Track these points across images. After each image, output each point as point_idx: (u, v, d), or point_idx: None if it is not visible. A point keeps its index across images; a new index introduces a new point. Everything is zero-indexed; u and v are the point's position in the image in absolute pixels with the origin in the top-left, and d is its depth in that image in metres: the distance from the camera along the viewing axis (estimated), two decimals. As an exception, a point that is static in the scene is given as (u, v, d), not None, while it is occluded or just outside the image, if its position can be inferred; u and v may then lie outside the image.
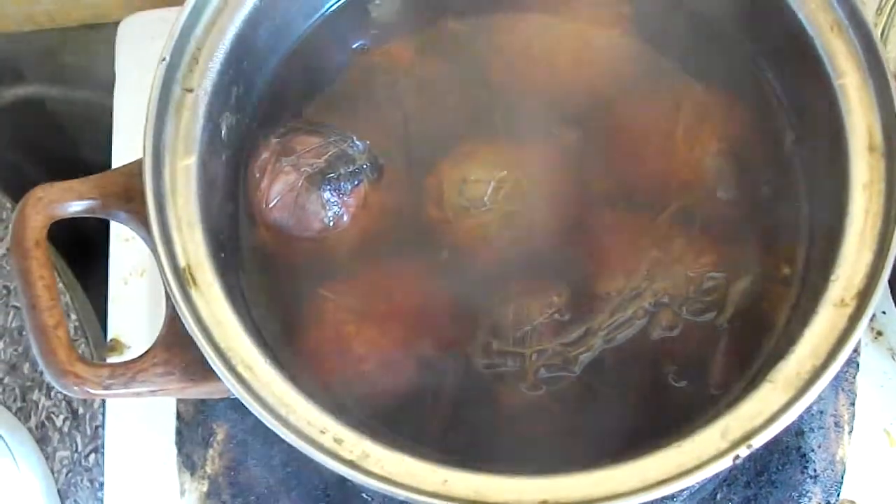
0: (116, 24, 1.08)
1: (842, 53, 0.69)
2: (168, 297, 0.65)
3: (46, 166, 1.22)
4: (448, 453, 0.63)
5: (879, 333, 0.92)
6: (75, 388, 0.62)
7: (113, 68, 1.06)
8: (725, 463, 0.59)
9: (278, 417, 0.61)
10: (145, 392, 0.64)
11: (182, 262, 0.65)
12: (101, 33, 1.17)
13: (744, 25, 0.77)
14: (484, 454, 0.65)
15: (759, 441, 0.59)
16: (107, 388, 0.63)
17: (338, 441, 0.61)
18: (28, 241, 0.63)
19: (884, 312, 0.92)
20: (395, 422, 0.69)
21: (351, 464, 0.60)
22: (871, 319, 0.88)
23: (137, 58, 1.05)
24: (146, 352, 0.64)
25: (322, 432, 0.61)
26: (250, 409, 0.61)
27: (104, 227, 0.99)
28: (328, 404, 0.63)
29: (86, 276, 1.08)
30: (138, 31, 1.06)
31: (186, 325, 0.62)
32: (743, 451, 0.59)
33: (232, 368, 0.62)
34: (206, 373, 0.64)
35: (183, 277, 0.64)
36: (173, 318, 0.65)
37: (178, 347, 0.64)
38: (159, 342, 0.65)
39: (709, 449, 0.60)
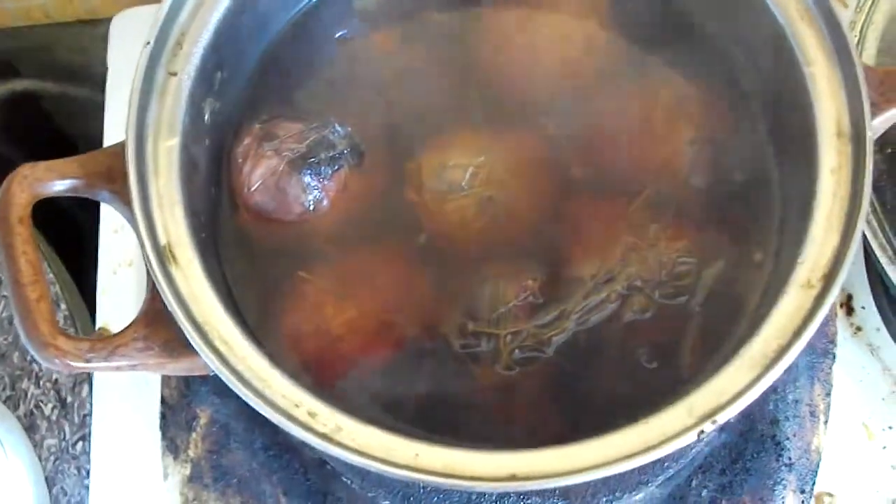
0: (110, 19, 1.09)
1: (810, 42, 0.71)
2: (149, 275, 0.66)
3: (40, 160, 1.23)
4: (423, 430, 0.64)
5: (859, 329, 0.93)
6: (56, 360, 0.63)
7: (105, 63, 1.06)
8: (690, 438, 0.60)
9: (254, 391, 0.62)
10: (125, 366, 0.65)
11: (163, 241, 0.66)
12: (96, 29, 1.18)
13: (717, 16, 0.78)
14: (458, 431, 0.66)
15: (723, 417, 0.60)
16: (87, 360, 0.64)
17: (312, 415, 0.62)
18: (12, 218, 0.65)
19: (863, 308, 0.93)
20: (372, 400, 0.70)
21: (325, 437, 0.61)
22: (851, 314, 0.90)
23: (129, 52, 1.05)
24: (127, 327, 0.65)
25: (297, 406, 0.62)
26: (227, 382, 0.62)
27: (94, 219, 1.00)
28: (305, 382, 0.64)
29: (75, 268, 1.09)
30: (130, 27, 1.07)
31: (166, 301, 0.63)
32: (707, 427, 0.60)
33: (210, 343, 0.63)
34: (185, 349, 0.65)
35: (163, 255, 0.65)
36: (154, 295, 0.66)
37: (158, 324, 0.65)
38: (140, 318, 0.66)
39: (675, 425, 0.61)
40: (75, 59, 1.25)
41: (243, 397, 0.61)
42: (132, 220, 0.66)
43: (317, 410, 0.62)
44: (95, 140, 1.05)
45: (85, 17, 1.19)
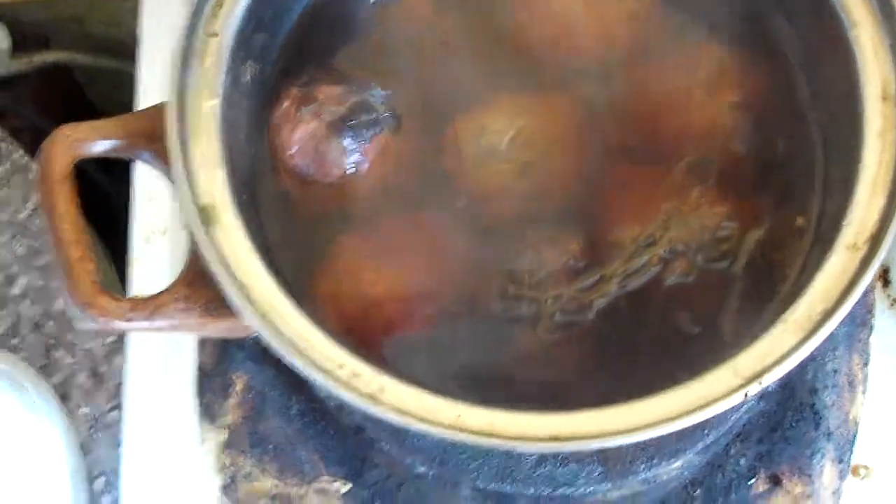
0: (142, -8, 1.09)
1: (855, 4, 0.70)
2: (190, 236, 0.66)
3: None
4: (464, 393, 0.63)
5: (896, 301, 0.92)
6: (99, 319, 0.63)
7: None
8: (736, 399, 0.60)
9: (298, 351, 0.62)
10: (166, 326, 0.65)
11: (204, 201, 0.66)
12: (127, 2, 1.18)
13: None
14: (499, 394, 0.65)
15: (769, 378, 0.60)
16: (129, 320, 0.64)
17: (355, 375, 0.62)
18: (54, 177, 0.65)
19: (901, 281, 0.92)
20: (413, 363, 0.70)
21: (369, 397, 0.61)
22: (887, 286, 0.89)
23: (161, 23, 1.06)
24: (168, 287, 0.66)
25: (340, 367, 0.62)
26: (269, 343, 0.62)
27: (124, 189, 1.01)
28: (346, 344, 0.64)
29: (105, 238, 1.09)
30: (162, -2, 1.07)
31: (207, 261, 0.63)
32: (753, 388, 0.60)
33: (252, 303, 0.63)
34: (226, 309, 0.65)
35: (205, 215, 0.65)
36: (194, 256, 0.66)
37: (199, 284, 0.65)
38: (180, 279, 0.66)
39: (720, 387, 0.61)
40: (107, 31, 1.26)
41: (286, 357, 0.61)
42: (173, 181, 0.66)
43: (360, 371, 0.62)
44: (126, 111, 1.04)
45: (117, -11, 1.18)
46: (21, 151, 1.11)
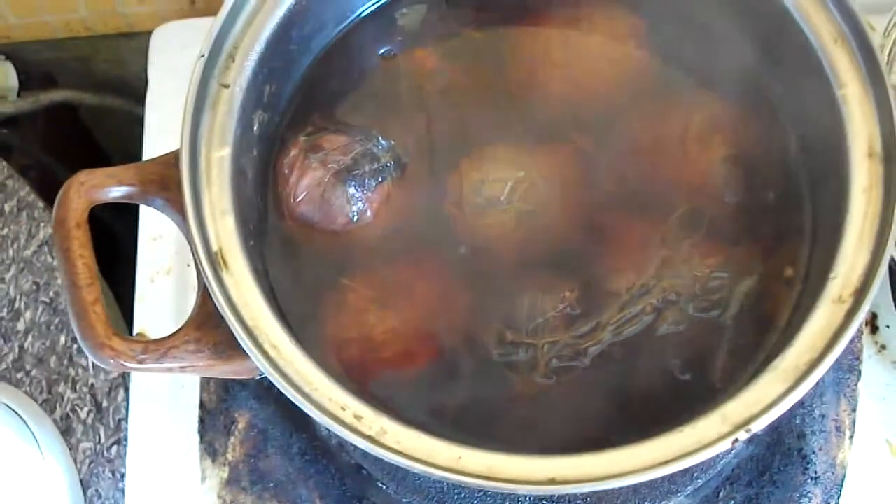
0: (148, 33, 1.11)
1: (843, 65, 0.72)
2: (200, 279, 0.68)
3: (77, 169, 1.26)
4: (462, 436, 0.65)
5: (883, 347, 0.94)
6: (111, 360, 0.65)
7: (143, 76, 1.09)
8: (725, 445, 0.62)
9: (302, 393, 0.64)
10: (176, 368, 0.67)
11: (215, 247, 0.68)
12: (133, 42, 1.21)
13: (751, 38, 0.80)
14: (496, 437, 0.67)
15: (757, 426, 0.62)
16: (140, 362, 0.66)
17: (357, 417, 0.64)
18: (70, 222, 0.67)
19: (888, 326, 0.95)
20: (412, 406, 0.72)
21: (370, 439, 0.63)
22: (875, 333, 0.91)
23: (169, 65, 1.09)
24: (178, 330, 0.67)
25: (343, 409, 0.64)
26: (276, 384, 0.64)
27: (132, 228, 1.03)
28: (348, 386, 0.66)
29: (109, 277, 1.11)
30: (170, 40, 1.10)
31: (217, 305, 0.65)
32: (742, 435, 0.62)
33: (259, 346, 0.65)
34: (234, 351, 0.67)
35: (215, 260, 0.67)
36: (204, 300, 0.68)
37: (209, 327, 0.67)
38: (191, 321, 0.68)
39: (710, 433, 0.63)
40: (113, 71, 1.28)
41: (292, 399, 0.63)
42: (184, 228, 0.68)
43: (362, 413, 0.64)
44: (131, 150, 1.07)
45: (124, 30, 1.21)
46: (27, 188, 1.12)
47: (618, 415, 0.72)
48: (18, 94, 1.26)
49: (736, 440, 0.62)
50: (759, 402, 0.64)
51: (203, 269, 0.66)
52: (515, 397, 0.73)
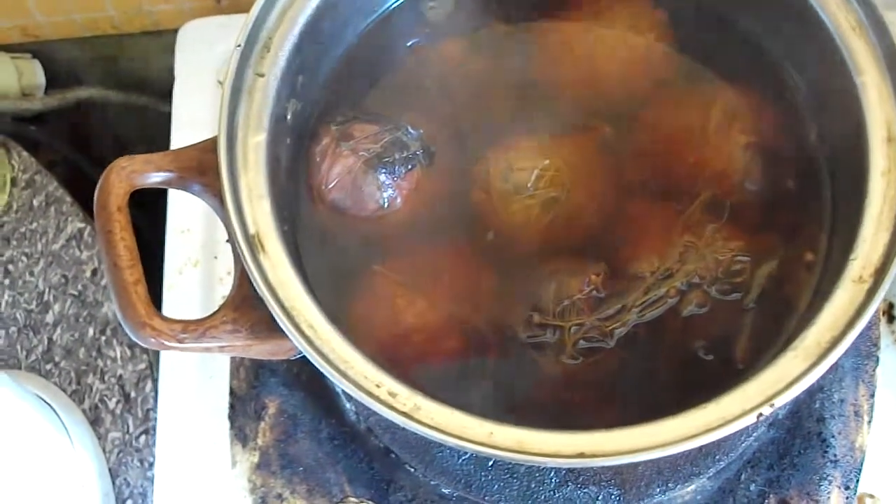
0: (173, 31, 1.13)
1: (862, 52, 0.74)
2: (237, 262, 0.70)
3: (103, 166, 1.28)
4: (491, 415, 0.67)
5: (899, 336, 0.95)
6: (152, 339, 0.67)
7: (168, 74, 1.11)
8: (750, 420, 0.63)
9: (339, 371, 0.66)
10: (214, 348, 0.69)
11: (252, 230, 0.70)
12: (158, 40, 1.23)
13: (770, 28, 0.81)
14: (524, 417, 0.68)
15: (781, 401, 0.64)
16: (180, 341, 0.67)
17: (392, 395, 0.65)
18: (112, 206, 0.69)
19: (904, 316, 0.96)
20: (442, 387, 0.73)
21: (405, 415, 0.64)
22: (892, 322, 0.93)
23: (195, 62, 1.11)
24: (216, 311, 0.69)
25: (378, 386, 0.66)
26: (314, 362, 0.66)
27: (158, 223, 1.04)
28: (382, 365, 0.68)
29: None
30: (196, 37, 1.12)
31: (256, 286, 0.67)
32: (766, 410, 0.63)
33: (297, 326, 0.67)
34: (271, 332, 0.68)
35: (253, 243, 0.69)
36: (241, 282, 0.70)
37: (246, 307, 0.69)
38: (228, 303, 0.70)
39: (734, 408, 0.64)
40: (138, 69, 1.30)
41: (329, 376, 0.65)
42: (222, 212, 0.70)
43: (397, 391, 0.65)
44: (155, 147, 1.08)
45: (150, 29, 1.23)
46: (55, 184, 1.14)
47: (643, 394, 0.74)
48: (45, 92, 1.27)
49: (760, 415, 0.63)
50: (783, 378, 0.65)
51: (242, 251, 0.68)
52: (543, 378, 0.74)
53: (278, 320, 0.66)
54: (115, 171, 0.69)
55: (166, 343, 0.67)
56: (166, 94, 1.10)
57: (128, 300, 0.67)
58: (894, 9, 0.89)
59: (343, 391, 0.76)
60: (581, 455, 0.63)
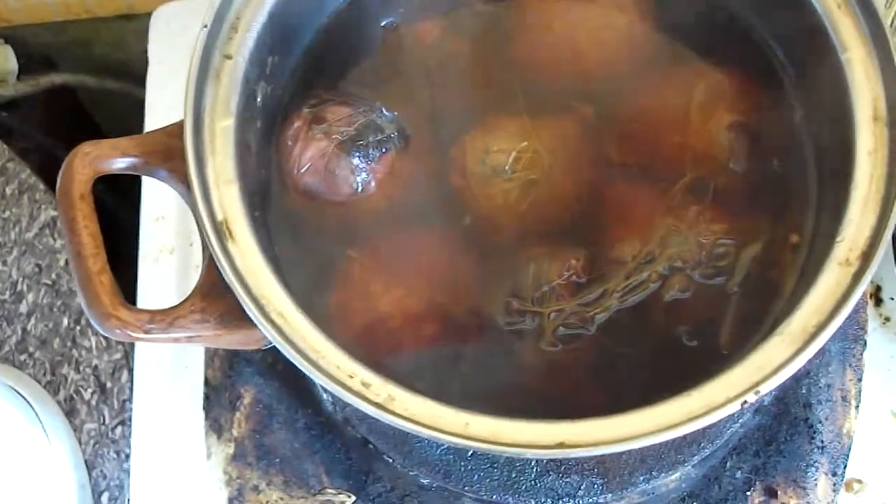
0: (147, 15, 1.11)
1: (847, 29, 0.72)
2: (205, 249, 0.68)
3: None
4: (470, 404, 0.65)
5: (887, 319, 0.94)
6: (117, 331, 0.65)
7: (143, 58, 1.09)
8: (734, 408, 0.62)
9: (311, 361, 0.64)
10: (182, 338, 0.67)
11: (220, 216, 0.68)
12: (133, 24, 1.21)
13: (754, 5, 0.80)
14: (503, 406, 0.67)
15: (766, 387, 0.62)
16: (147, 332, 0.65)
17: (365, 385, 0.64)
18: (74, 193, 0.67)
19: (892, 298, 0.94)
20: (419, 375, 0.72)
21: (378, 405, 0.63)
22: (879, 305, 0.91)
23: (169, 45, 1.09)
24: (184, 300, 0.67)
25: (350, 376, 0.64)
26: (284, 352, 0.64)
27: (134, 210, 1.03)
28: (355, 354, 0.66)
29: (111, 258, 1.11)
30: (170, 20, 1.10)
31: (224, 275, 0.65)
32: (751, 397, 0.62)
33: (266, 315, 0.65)
34: (240, 321, 0.67)
35: (221, 230, 0.67)
36: (210, 269, 0.68)
37: (215, 296, 0.67)
38: (196, 291, 0.68)
39: (718, 395, 0.62)
40: (113, 53, 1.28)
41: (300, 367, 0.63)
42: (189, 198, 0.68)
43: (370, 381, 0.64)
44: (131, 132, 1.06)
45: (124, 12, 1.21)
46: (28, 171, 1.12)
47: (625, 382, 0.72)
48: (18, 78, 1.25)
49: (745, 402, 0.62)
50: (768, 364, 0.64)
51: (208, 238, 0.66)
52: (522, 365, 0.73)
53: (247, 309, 0.65)
54: (78, 156, 0.67)
55: (132, 334, 0.65)
56: (142, 79, 1.09)
57: (92, 290, 0.65)
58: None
59: (318, 381, 0.74)
60: (561, 445, 0.62)
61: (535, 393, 0.72)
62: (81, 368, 1.03)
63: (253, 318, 0.65)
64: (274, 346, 0.65)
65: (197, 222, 0.67)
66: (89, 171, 0.67)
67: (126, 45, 1.25)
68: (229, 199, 0.68)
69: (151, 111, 1.06)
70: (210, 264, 0.67)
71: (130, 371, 0.99)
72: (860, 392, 0.87)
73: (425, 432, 0.61)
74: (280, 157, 0.77)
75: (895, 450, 0.90)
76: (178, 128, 0.70)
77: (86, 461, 1.00)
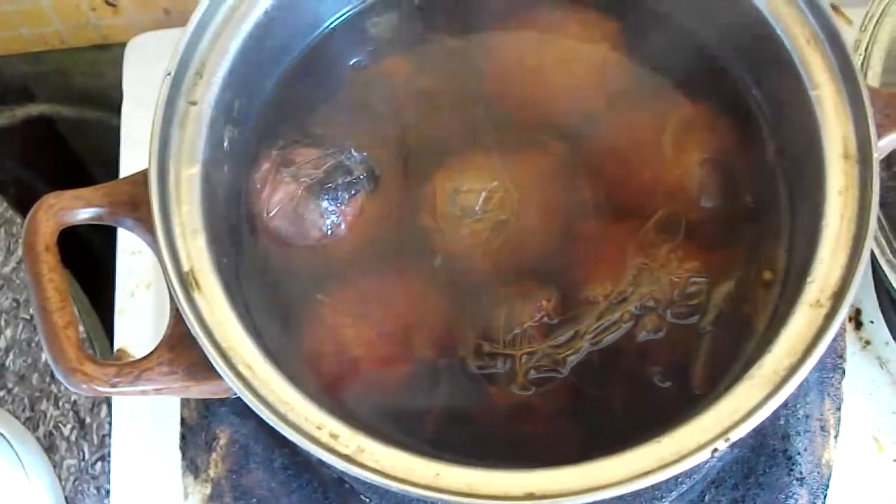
0: (123, 45, 1.11)
1: (817, 65, 0.72)
2: (172, 300, 0.67)
3: (55, 183, 1.25)
4: (441, 450, 0.65)
5: (868, 343, 0.94)
6: (84, 385, 0.64)
7: (120, 88, 1.08)
8: (704, 456, 0.61)
9: (277, 414, 0.64)
10: (150, 390, 0.66)
11: (186, 267, 0.67)
12: (109, 54, 1.21)
13: (725, 40, 0.79)
14: (475, 451, 0.67)
15: (736, 435, 0.62)
16: (114, 385, 0.65)
17: (334, 436, 0.63)
18: (39, 246, 0.66)
19: (872, 322, 0.94)
20: (391, 420, 0.71)
21: (347, 458, 0.62)
22: (860, 329, 0.91)
23: (144, 76, 1.08)
24: (151, 352, 0.67)
25: (319, 428, 0.63)
26: (251, 406, 0.63)
27: (111, 242, 1.02)
28: (325, 403, 0.65)
29: (93, 291, 1.10)
30: (145, 51, 1.09)
31: (189, 326, 0.65)
32: (721, 445, 0.61)
33: (233, 367, 0.65)
34: (209, 372, 0.66)
35: (186, 281, 0.67)
36: (177, 320, 0.67)
37: (182, 348, 0.67)
38: (164, 343, 0.67)
39: (688, 443, 0.62)
40: (90, 83, 1.27)
41: (267, 420, 0.63)
42: (155, 248, 0.67)
43: (339, 432, 0.63)
44: (109, 163, 1.06)
45: (99, 43, 1.20)
46: (5, 205, 1.12)
47: (598, 425, 0.72)
48: (-6, 109, 1.25)
49: (715, 450, 0.61)
50: (739, 409, 0.63)
51: (174, 290, 0.65)
52: (494, 410, 0.72)
53: (213, 361, 0.64)
54: (42, 208, 0.67)
55: (99, 388, 0.65)
56: (119, 109, 1.08)
57: (58, 345, 0.65)
58: (856, 6, 0.87)
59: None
60: (531, 496, 0.61)
61: (508, 437, 0.72)
62: (60, 404, 1.02)
63: (219, 370, 0.64)
64: (239, 395, 0.65)
65: (164, 273, 0.66)
66: (53, 223, 0.67)
67: (103, 74, 1.25)
68: (196, 250, 0.68)
69: (127, 143, 1.05)
70: (178, 315, 0.67)
71: (109, 406, 0.98)
72: (839, 421, 0.87)
73: (395, 486, 0.61)
74: (249, 200, 0.77)
75: (877, 475, 0.89)
76: (142, 176, 0.69)
77: (66, 497, 0.99)
